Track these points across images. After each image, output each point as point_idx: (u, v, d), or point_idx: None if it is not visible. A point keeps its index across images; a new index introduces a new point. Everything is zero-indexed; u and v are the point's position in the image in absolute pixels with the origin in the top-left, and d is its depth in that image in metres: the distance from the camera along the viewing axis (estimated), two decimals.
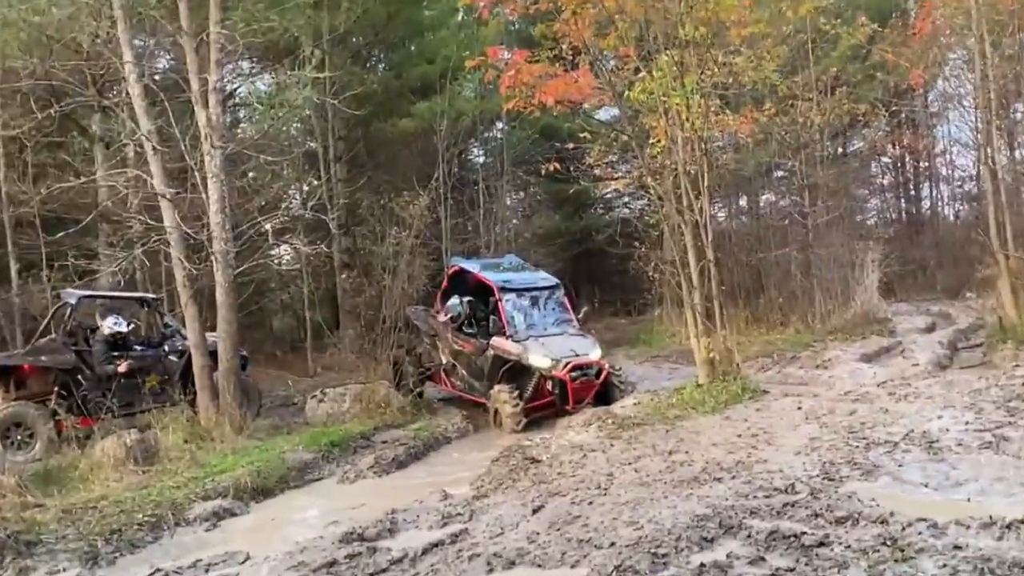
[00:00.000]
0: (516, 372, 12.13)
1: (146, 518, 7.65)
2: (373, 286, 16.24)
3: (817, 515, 5.77)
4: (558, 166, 14.92)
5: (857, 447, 7.59)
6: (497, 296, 12.54)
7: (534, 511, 6.63)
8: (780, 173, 23.59)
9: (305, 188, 21.78)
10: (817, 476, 6.76)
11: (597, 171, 24.39)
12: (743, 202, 24.71)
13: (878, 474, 6.78)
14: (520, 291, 12.88)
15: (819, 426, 8.62)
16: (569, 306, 13.25)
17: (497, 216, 22.25)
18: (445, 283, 13.75)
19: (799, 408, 9.61)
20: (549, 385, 11.83)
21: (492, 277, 13.00)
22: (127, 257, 12.53)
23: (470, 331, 13.17)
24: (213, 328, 11.85)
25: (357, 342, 16.51)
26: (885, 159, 30.80)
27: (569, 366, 11.63)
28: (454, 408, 13.23)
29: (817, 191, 20.09)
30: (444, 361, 13.32)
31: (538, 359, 11.74)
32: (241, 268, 12.24)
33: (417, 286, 15.64)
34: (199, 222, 12.28)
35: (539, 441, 9.72)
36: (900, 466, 6.95)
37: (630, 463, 7.82)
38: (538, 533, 6.06)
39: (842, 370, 12.99)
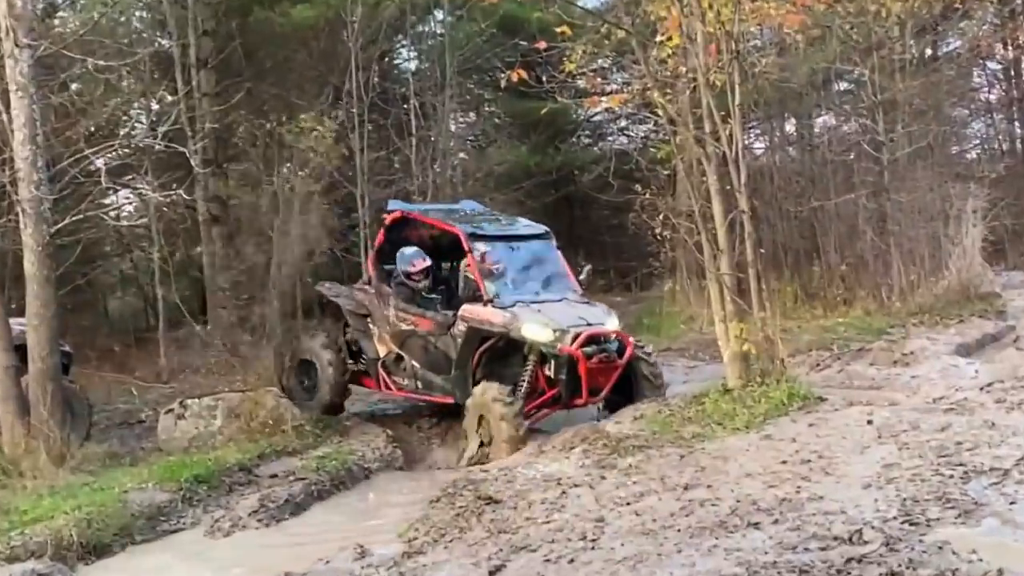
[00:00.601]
0: (499, 356, 12.30)
1: None
2: (255, 251, 16.14)
3: (894, 575, 5.85)
4: (524, 75, 14.87)
5: (951, 477, 7.58)
6: (466, 248, 12.56)
7: (491, 574, 6.66)
8: (843, 85, 23.73)
9: (155, 107, 21.52)
10: (895, 519, 6.74)
11: (581, 83, 24.35)
12: (791, 128, 24.86)
13: (981, 515, 6.76)
14: (498, 240, 12.97)
15: (898, 447, 8.64)
16: (566, 264, 13.45)
17: (437, 148, 22.21)
18: (380, 238, 13.83)
19: (869, 422, 9.63)
20: (549, 371, 11.92)
21: (456, 225, 13.08)
22: None
23: (426, 302, 13.33)
24: (20, 312, 11.72)
25: (232, 332, 16.43)
26: (992, 64, 31.09)
27: (582, 337, 11.71)
28: (374, 426, 13.24)
29: (896, 111, 20.23)
30: (382, 352, 13.38)
31: (535, 330, 11.80)
32: (61, 224, 12.08)
33: (320, 250, 15.57)
34: None
35: (497, 473, 9.68)
36: (1012, 504, 6.92)
37: (629, 503, 7.83)
38: None
39: (930, 368, 13.09)
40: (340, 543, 7.98)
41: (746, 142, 14.14)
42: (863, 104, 21.42)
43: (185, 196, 17.25)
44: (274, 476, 10.79)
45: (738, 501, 7.51)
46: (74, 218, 12.76)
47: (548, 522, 7.65)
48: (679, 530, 7.08)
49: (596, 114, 28.62)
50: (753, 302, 11.63)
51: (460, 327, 12.38)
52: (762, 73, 16.90)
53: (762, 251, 12.37)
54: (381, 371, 13.46)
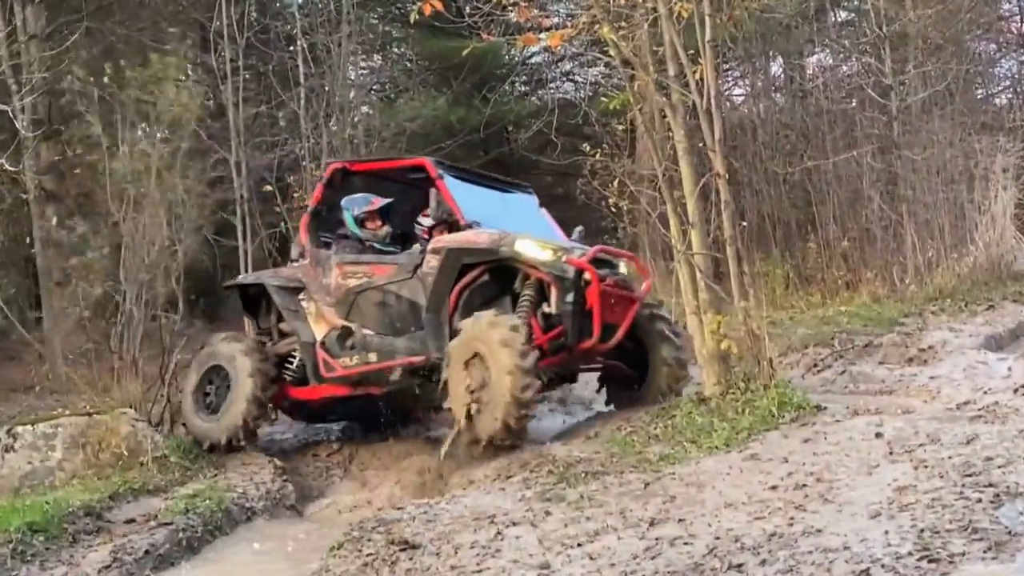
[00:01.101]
0: (482, 295, 12.52)
1: None
2: (103, 233, 16.00)
3: None
4: (440, 6, 14.88)
5: (978, 502, 7.49)
6: (435, 174, 13.05)
7: None
8: (841, 15, 23.98)
9: None
10: (909, 554, 6.67)
11: (513, 16, 24.38)
12: (777, 69, 25.27)
13: (1015, 548, 6.74)
14: (471, 180, 13.69)
15: (913, 466, 8.62)
16: (554, 223, 14.08)
17: (333, 101, 22.13)
18: (317, 197, 14.09)
19: (878, 435, 9.63)
20: (549, 306, 12.12)
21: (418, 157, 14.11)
22: None
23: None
24: None
25: (76, 338, 16.28)
26: None
27: (591, 251, 12.33)
28: (259, 455, 13.26)
29: (907, 47, 20.54)
30: (321, 332, 13.53)
31: (532, 247, 12.17)
32: None
33: (186, 233, 15.51)
34: None
35: (414, 510, 9.67)
36: None
37: (580, 544, 7.83)
38: None
39: (953, 366, 13.18)
40: None
41: (722, 88, 14.20)
42: (866, 39, 21.61)
43: (9, 167, 17.07)
44: (131, 521, 10.67)
45: (717, 538, 7.48)
46: None
47: (479, 571, 7.63)
48: None
49: (534, 55, 28.61)
50: (733, 288, 11.67)
51: (432, 262, 12.64)
52: (740, 1, 17.10)
53: (743, 224, 12.55)
54: (321, 354, 13.50)
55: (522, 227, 12.84)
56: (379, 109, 27.32)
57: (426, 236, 13.36)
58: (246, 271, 18.00)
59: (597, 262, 12.26)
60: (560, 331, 12.07)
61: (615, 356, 12.81)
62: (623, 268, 12.91)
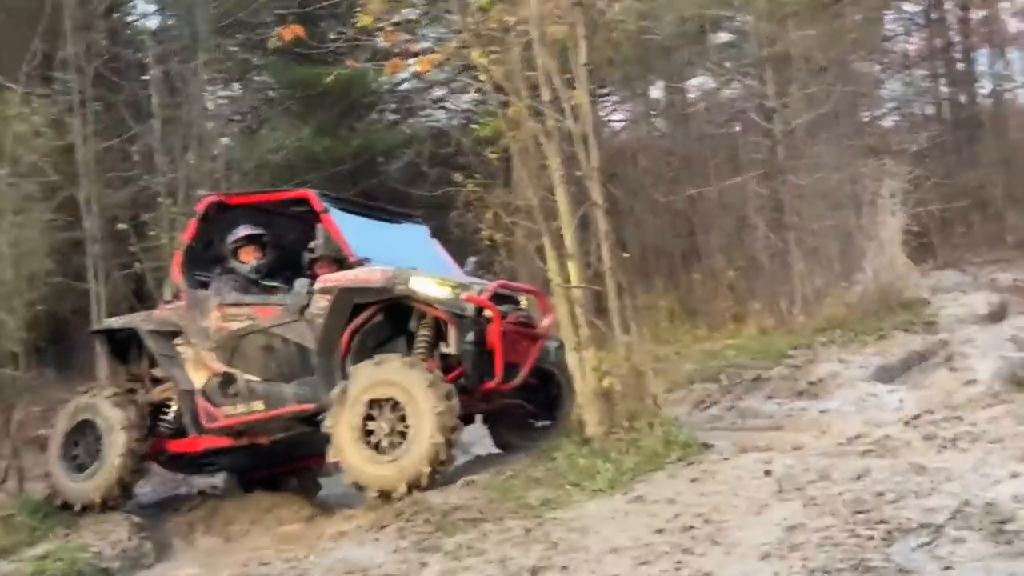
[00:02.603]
0: (376, 337, 12.37)
1: None
2: None
3: None
4: (301, 32, 14.89)
5: (870, 539, 7.60)
6: (319, 208, 12.84)
7: None
8: (723, 36, 24.25)
9: None
10: None
11: (379, 40, 24.40)
12: (657, 93, 25.45)
13: None
14: (358, 212, 13.54)
15: (803, 504, 8.71)
16: (447, 255, 14.02)
17: (190, 133, 21.79)
18: (191, 232, 13.72)
19: (767, 473, 9.72)
20: (447, 346, 11.96)
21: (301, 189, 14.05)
22: None
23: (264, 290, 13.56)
24: None
25: None
26: (909, 6, 31.72)
27: (491, 288, 12.21)
28: (114, 513, 12.82)
29: (789, 69, 20.65)
30: (200, 381, 13.15)
31: (428, 284, 11.97)
32: None
33: (35, 272, 15.32)
34: None
35: (282, 566, 9.62)
36: (947, 569, 6.98)
37: None
38: None
39: (843, 399, 13.49)
40: None
41: (599, 113, 14.29)
42: (748, 61, 22.03)
43: None
44: None
45: None
46: None
47: None
48: None
49: (403, 82, 28.53)
50: (614, 323, 11.80)
51: (321, 303, 12.40)
52: (616, 23, 17.29)
53: (625, 255, 12.57)
54: (202, 403, 13.16)
55: (414, 261, 12.69)
56: (240, 141, 27.14)
57: (311, 272, 13.10)
58: (99, 315, 17.75)
59: (497, 298, 12.21)
60: (460, 372, 11.94)
61: (518, 395, 12.75)
62: (524, 303, 12.93)
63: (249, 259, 13.31)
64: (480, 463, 12.46)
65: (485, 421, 13.26)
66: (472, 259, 14.28)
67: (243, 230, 13.39)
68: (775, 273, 19.76)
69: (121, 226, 19.60)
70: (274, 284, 13.39)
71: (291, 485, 14.34)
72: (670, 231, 20.95)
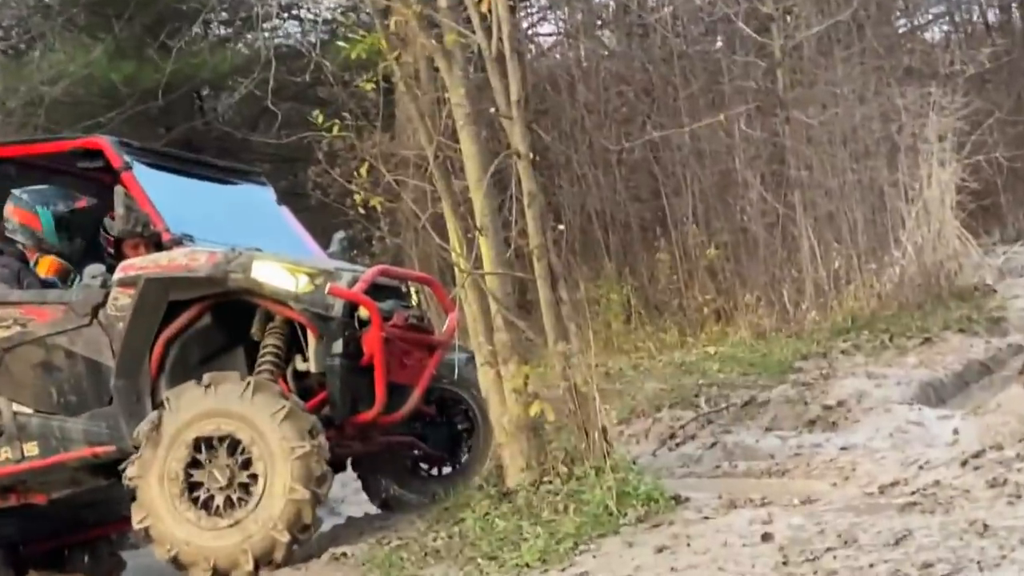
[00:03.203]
0: (202, 342, 11.95)
1: None
2: None
3: None
4: None
5: None
6: (118, 164, 12.45)
7: None
8: None
9: None
10: None
11: None
12: None
13: None
14: (174, 169, 13.39)
15: None
16: (300, 226, 13.54)
17: None
18: None
19: (766, 537, 9.27)
20: (305, 360, 11.67)
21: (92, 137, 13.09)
22: None
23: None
24: None
25: None
26: None
27: (368, 276, 11.66)
28: None
29: None
30: None
31: (274, 272, 11.43)
32: None
33: None
34: None
35: None
36: None
37: None
38: None
39: (874, 430, 13.23)
40: None
41: (522, 24, 14.25)
42: None
43: None
44: None
45: None
46: None
47: None
48: None
49: None
50: (546, 324, 11.15)
51: (121, 300, 11.78)
52: None
53: (560, 227, 12.53)
54: None
55: (257, 238, 12.05)
56: (1, 66, 26.48)
57: (111, 253, 12.28)
58: None
59: (377, 290, 11.47)
60: (324, 398, 11.41)
61: (408, 430, 12.35)
62: (415, 298, 12.27)
63: (20, 238, 12.50)
64: (354, 527, 11.78)
65: (358, 468, 12.64)
66: (340, 235, 13.25)
67: (11, 200, 12.61)
68: (775, 251, 19.75)
69: None
70: (51, 279, 12.51)
71: (82, 563, 13.76)
72: (624, 192, 20.90)
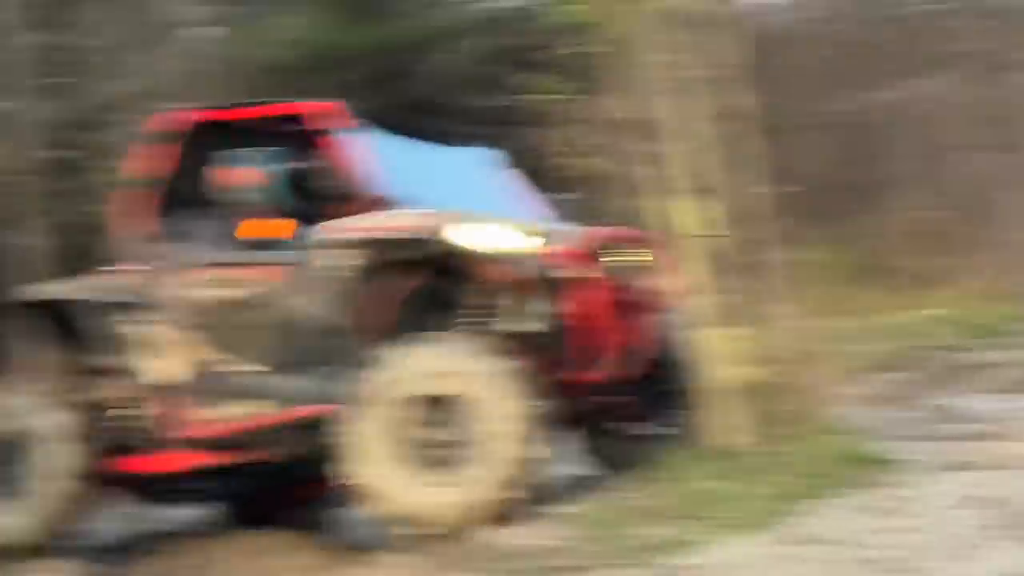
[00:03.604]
0: (416, 303, 12.14)
1: None
2: None
3: None
4: None
5: None
6: (337, 129, 12.82)
7: None
8: None
9: None
10: None
11: None
12: None
13: None
14: (394, 130, 13.52)
15: None
16: (523, 187, 13.81)
17: (147, 24, 22.42)
18: (160, 162, 13.70)
19: (974, 501, 9.44)
20: (528, 322, 11.74)
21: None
22: None
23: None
24: None
25: None
26: None
27: (588, 240, 11.94)
28: (64, 559, 12.98)
29: None
30: (173, 372, 13.10)
31: (489, 234, 11.71)
32: None
33: None
34: None
35: None
36: None
37: None
38: None
39: None
40: None
41: None
42: None
43: None
44: None
45: None
46: None
47: None
48: None
49: None
50: (766, 287, 11.52)
51: (343, 261, 12.07)
52: None
53: (783, 190, 12.58)
54: (175, 405, 12.93)
55: (476, 202, 12.29)
56: (219, 34, 27.11)
57: (330, 215, 12.38)
58: (33, 278, 18.00)
59: (598, 252, 11.76)
60: (545, 359, 11.48)
61: (626, 391, 12.41)
62: (636, 259, 12.43)
63: (246, 200, 12.84)
64: (574, 488, 12.10)
65: (575, 426, 12.72)
66: (564, 198, 14.14)
67: (237, 159, 12.93)
68: (999, 212, 19.66)
69: (63, 153, 20.01)
70: (278, 238, 12.58)
71: (302, 519, 14.06)
72: (839, 155, 20.82)
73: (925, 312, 17.54)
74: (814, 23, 23.09)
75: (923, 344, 15.62)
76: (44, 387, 12.80)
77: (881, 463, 10.49)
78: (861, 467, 10.45)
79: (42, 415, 12.58)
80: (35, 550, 12.48)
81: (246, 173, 12.87)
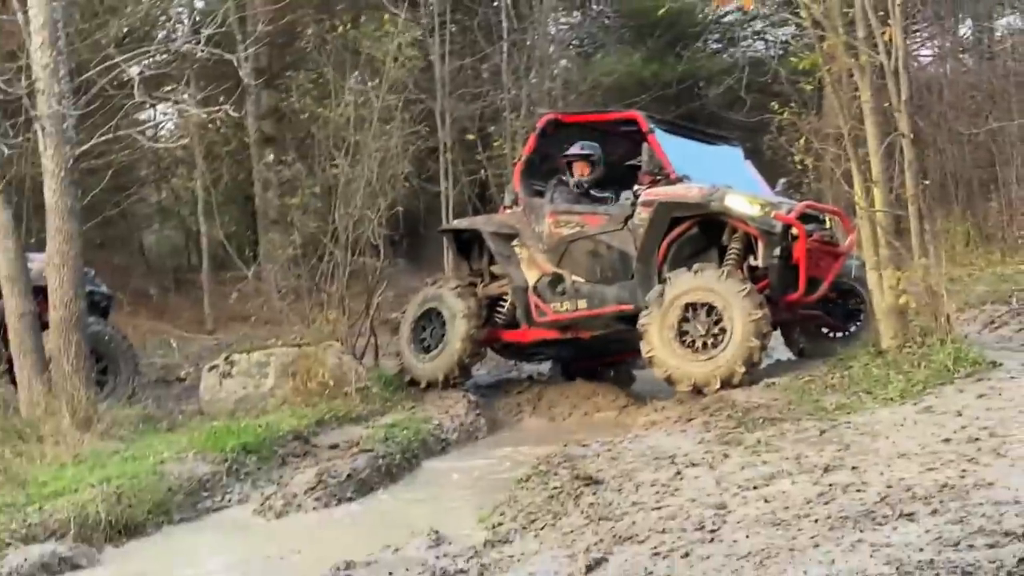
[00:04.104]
0: (690, 248, 12.68)
1: None
2: (318, 175, 16.26)
3: None
4: None
5: None
6: (646, 127, 13.09)
7: (588, 569, 6.66)
8: None
9: (198, 4, 21.65)
10: None
11: None
12: (965, 31, 24.49)
13: None
14: (680, 134, 13.78)
15: None
16: (756, 172, 14.23)
17: (533, 55, 22.24)
18: (530, 146, 14.24)
19: None
20: (755, 259, 12.18)
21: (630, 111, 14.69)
22: None
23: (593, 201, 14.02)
24: (41, 247, 11.87)
25: (289, 274, 16.59)
26: None
27: (798, 208, 12.38)
28: (453, 391, 13.43)
29: None
30: (533, 278, 13.66)
31: (741, 202, 12.23)
32: (88, 145, 12.25)
33: (395, 175, 15.70)
34: (12, 64, 12.36)
35: (598, 448, 9.61)
36: None
37: (756, 487, 7.67)
38: None
39: None
40: (411, 528, 7.88)
41: (909, 49, 13.85)
42: None
43: (233, 113, 16.98)
44: (334, 447, 10.93)
45: (889, 487, 7.20)
46: (103, 137, 12.80)
47: (659, 508, 7.48)
48: (816, 520, 6.87)
49: (726, 15, 28.06)
50: (914, 245, 11.47)
51: (642, 215, 12.73)
52: None
53: (926, 183, 12.23)
54: (533, 299, 13.65)
55: (728, 180, 12.79)
56: (576, 64, 27.42)
57: (640, 184, 13.08)
58: (447, 215, 18.25)
59: (803, 217, 12.23)
60: (766, 284, 12.09)
61: (817, 308, 12.85)
62: (828, 223, 12.86)
63: (581, 173, 13.57)
64: (780, 367, 12.43)
65: (785, 329, 13.30)
66: (782, 180, 14.11)
67: (577, 147, 13.67)
68: None
69: (470, 136, 20.06)
70: (603, 195, 13.70)
71: (608, 376, 14.69)
72: (970, 161, 20.10)
73: (1018, 267, 16.91)
74: (955, 71, 22.14)
75: (1015, 288, 15.07)
76: (457, 283, 13.96)
77: (984, 364, 10.48)
78: (970, 366, 10.43)
79: (455, 300, 13.69)
80: (445, 383, 13.56)
81: (583, 160, 13.59)
